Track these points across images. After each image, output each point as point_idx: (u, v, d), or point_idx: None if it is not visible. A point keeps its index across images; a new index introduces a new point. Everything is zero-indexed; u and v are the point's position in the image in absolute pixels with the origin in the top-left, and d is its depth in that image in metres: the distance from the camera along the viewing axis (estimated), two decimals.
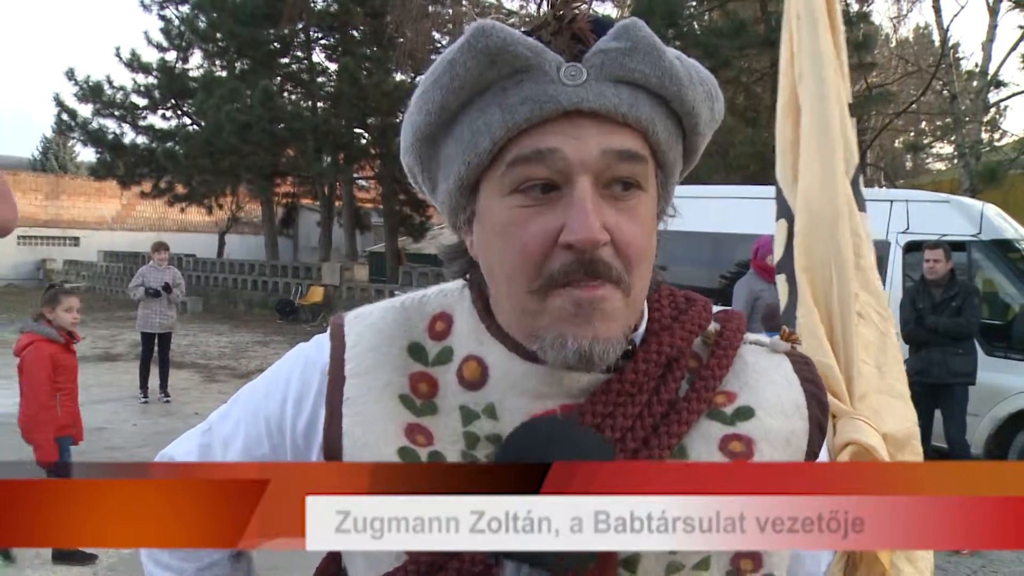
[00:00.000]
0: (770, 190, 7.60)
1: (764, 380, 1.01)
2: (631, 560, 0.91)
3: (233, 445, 1.08)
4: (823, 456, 1.06)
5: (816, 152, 1.66)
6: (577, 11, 0.89)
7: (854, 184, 1.69)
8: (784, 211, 1.75)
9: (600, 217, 0.85)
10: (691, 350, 1.01)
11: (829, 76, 1.69)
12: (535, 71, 0.85)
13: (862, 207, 1.71)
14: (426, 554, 0.90)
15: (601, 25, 0.89)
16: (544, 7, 23.12)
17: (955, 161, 15.20)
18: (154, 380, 10.58)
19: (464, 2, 23.27)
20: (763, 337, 1.08)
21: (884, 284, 8.43)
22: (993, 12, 14.39)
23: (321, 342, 1.06)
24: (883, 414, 1.45)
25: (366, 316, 1.05)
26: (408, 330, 1.02)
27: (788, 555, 1.00)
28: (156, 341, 10.60)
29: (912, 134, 26.51)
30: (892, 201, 8.82)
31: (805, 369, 1.04)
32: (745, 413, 0.98)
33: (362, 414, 0.97)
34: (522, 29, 0.89)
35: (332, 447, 0.96)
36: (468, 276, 1.02)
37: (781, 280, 1.75)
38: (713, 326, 1.04)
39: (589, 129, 0.85)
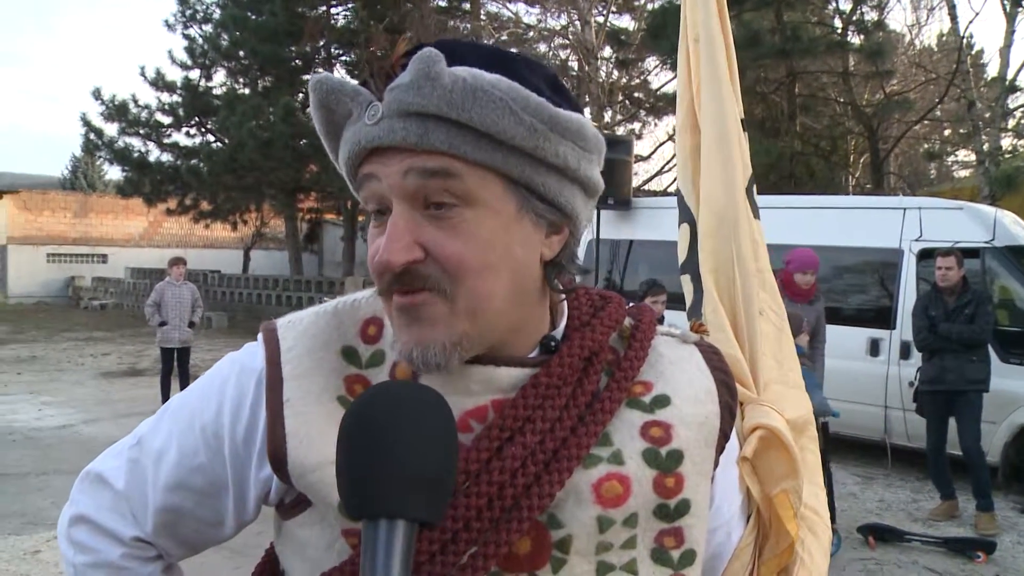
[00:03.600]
0: (790, 199, 7.72)
1: (678, 370, 1.09)
2: (564, 541, 0.98)
3: (166, 458, 1.08)
4: (732, 439, 1.14)
5: (717, 162, 1.77)
6: (392, 51, 0.95)
7: (749, 193, 1.80)
8: (687, 216, 1.86)
9: (415, 236, 0.91)
10: (608, 344, 1.07)
11: (726, 94, 1.80)
12: (354, 113, 0.95)
13: (756, 214, 1.82)
14: None
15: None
16: (563, 20, 23.27)
17: (976, 168, 15.11)
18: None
19: (482, 16, 23.45)
20: (673, 328, 1.16)
21: (898, 291, 8.52)
22: (1010, 18, 14.31)
23: (253, 349, 1.08)
24: (783, 402, 1.55)
25: (298, 322, 1.08)
26: (342, 334, 1.05)
27: (706, 530, 1.08)
28: (175, 356, 10.78)
29: (937, 142, 26.31)
30: (905, 209, 8.82)
31: (715, 358, 1.13)
32: (662, 401, 1.05)
33: (304, 415, 0.99)
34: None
35: (277, 448, 0.99)
36: None
37: (686, 280, 1.86)
38: (628, 321, 1.11)
39: (395, 157, 0.91)
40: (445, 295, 0.92)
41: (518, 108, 0.91)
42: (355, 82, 0.96)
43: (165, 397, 10.72)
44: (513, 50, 1.13)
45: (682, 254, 1.89)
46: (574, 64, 23.40)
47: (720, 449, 1.09)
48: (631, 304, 1.16)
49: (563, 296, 1.08)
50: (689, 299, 1.83)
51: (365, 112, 0.92)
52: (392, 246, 0.90)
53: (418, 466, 0.79)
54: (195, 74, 25.78)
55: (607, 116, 23.95)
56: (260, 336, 1.08)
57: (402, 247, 0.90)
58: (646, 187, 25.01)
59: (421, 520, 0.79)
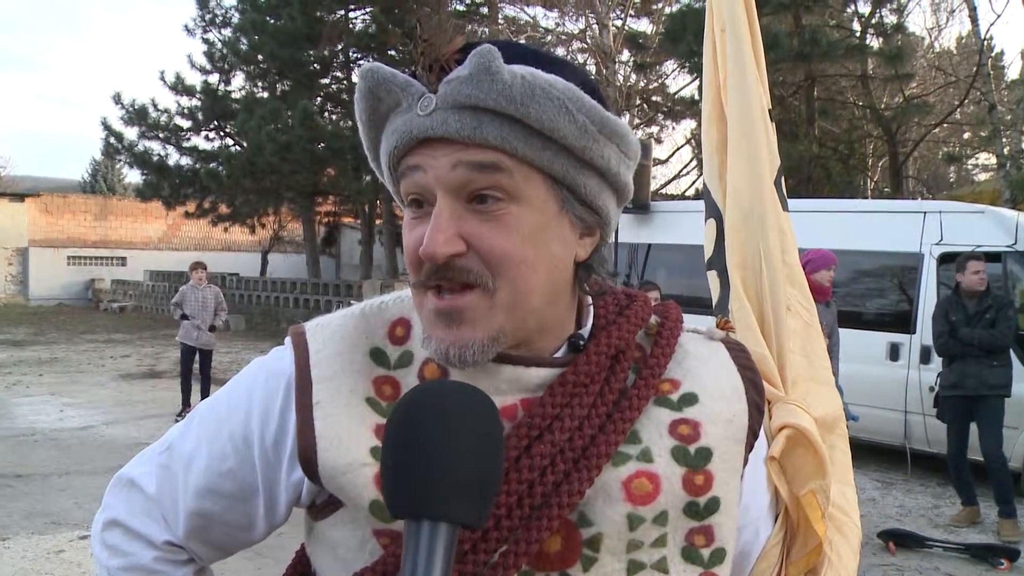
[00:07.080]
0: (811, 203, 7.63)
1: (704, 368, 1.09)
2: (594, 539, 0.98)
3: (196, 463, 1.09)
4: (761, 438, 1.14)
5: (743, 155, 1.74)
6: (445, 45, 0.94)
7: (777, 185, 1.77)
8: (713, 211, 1.84)
9: (459, 228, 0.92)
10: (635, 342, 1.08)
11: (751, 84, 1.77)
12: (403, 104, 0.95)
13: (785, 207, 1.79)
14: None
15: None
16: (581, 24, 23.28)
17: (997, 171, 14.99)
18: (196, 396, 10.77)
19: (500, 20, 23.47)
20: (699, 325, 1.16)
21: (918, 296, 8.45)
22: None
23: (281, 353, 1.09)
24: (813, 400, 1.52)
25: (327, 324, 1.09)
26: (370, 336, 1.06)
27: (736, 528, 1.08)
28: (197, 356, 10.88)
29: (956, 146, 26.09)
30: (925, 213, 8.77)
31: (741, 356, 1.13)
32: (690, 399, 1.05)
33: (333, 416, 1.00)
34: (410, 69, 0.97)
35: (307, 451, 1.00)
36: None
37: (712, 276, 1.83)
38: (654, 319, 1.12)
39: (444, 149, 0.92)
40: (486, 289, 0.93)
41: (574, 108, 0.93)
42: (406, 74, 0.96)
43: (186, 398, 10.78)
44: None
45: (708, 250, 1.87)
46: (592, 68, 23.39)
47: (749, 447, 1.09)
48: (656, 302, 1.17)
49: (590, 298, 1.09)
50: (716, 296, 1.82)
51: (417, 103, 0.93)
52: (437, 237, 0.91)
53: (464, 470, 0.78)
54: (214, 78, 25.96)
55: (625, 120, 23.88)
56: (288, 339, 1.09)
57: (446, 239, 0.91)
58: (664, 191, 24.97)
59: (464, 523, 0.78)
